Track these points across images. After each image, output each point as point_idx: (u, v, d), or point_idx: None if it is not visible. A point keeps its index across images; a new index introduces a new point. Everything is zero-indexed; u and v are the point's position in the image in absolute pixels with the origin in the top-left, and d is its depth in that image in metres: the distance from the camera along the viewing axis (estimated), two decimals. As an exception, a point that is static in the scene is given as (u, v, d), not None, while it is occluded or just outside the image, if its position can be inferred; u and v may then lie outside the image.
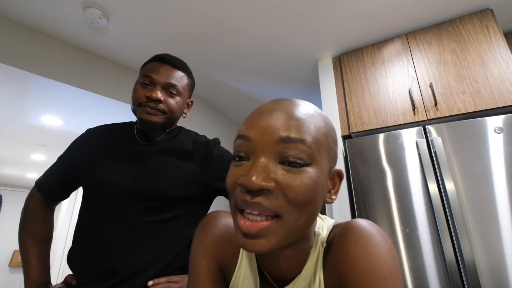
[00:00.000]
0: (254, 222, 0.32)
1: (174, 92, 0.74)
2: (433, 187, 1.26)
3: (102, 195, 0.70)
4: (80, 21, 1.62)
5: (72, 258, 0.71)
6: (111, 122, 0.90)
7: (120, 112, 2.19)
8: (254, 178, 0.31)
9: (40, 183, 0.79)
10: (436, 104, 1.48)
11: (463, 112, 1.41)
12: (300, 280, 0.40)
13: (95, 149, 0.77)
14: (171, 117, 0.75)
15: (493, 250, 1.10)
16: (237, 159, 0.36)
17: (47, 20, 1.61)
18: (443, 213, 1.21)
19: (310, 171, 0.33)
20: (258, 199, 0.31)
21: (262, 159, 0.32)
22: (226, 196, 0.82)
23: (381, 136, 1.48)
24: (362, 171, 1.45)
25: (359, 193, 1.42)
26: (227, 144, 2.92)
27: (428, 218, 1.24)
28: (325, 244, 0.41)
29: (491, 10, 1.53)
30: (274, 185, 0.31)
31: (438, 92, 1.50)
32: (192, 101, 0.86)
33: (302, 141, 0.33)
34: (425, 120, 1.49)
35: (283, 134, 0.33)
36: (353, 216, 1.52)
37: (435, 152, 1.31)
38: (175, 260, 0.70)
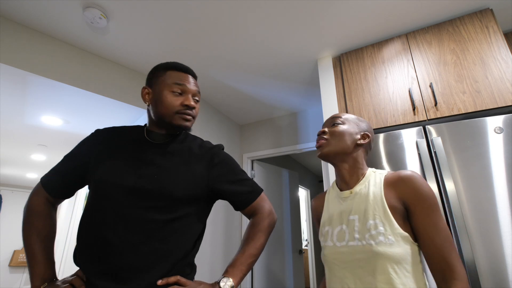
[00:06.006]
0: (319, 142, 0.85)
1: (198, 99, 0.85)
2: (433, 187, 1.26)
3: (112, 194, 0.72)
4: (80, 21, 1.62)
5: (79, 255, 0.71)
6: (111, 122, 0.91)
7: (120, 112, 2.19)
8: (321, 130, 0.86)
9: (46, 180, 0.79)
10: (436, 104, 1.48)
11: (463, 112, 1.41)
12: (358, 185, 0.79)
13: (106, 149, 0.79)
14: (194, 121, 0.84)
15: (493, 250, 1.10)
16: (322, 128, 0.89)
17: (47, 20, 1.61)
18: (443, 213, 1.21)
19: (337, 127, 0.83)
20: (322, 135, 0.85)
21: (326, 127, 0.88)
22: (228, 199, 0.85)
23: (381, 136, 1.48)
24: (362, 171, 1.45)
25: (359, 193, 1.42)
26: (228, 143, 2.92)
27: (428, 218, 1.24)
28: (384, 173, 0.78)
29: (491, 10, 1.53)
30: (327, 131, 0.85)
31: (438, 92, 1.50)
32: None
33: (338, 118, 0.86)
34: (425, 120, 1.49)
35: (333, 120, 0.86)
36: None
37: (435, 152, 1.31)
38: (183, 259, 0.74)
